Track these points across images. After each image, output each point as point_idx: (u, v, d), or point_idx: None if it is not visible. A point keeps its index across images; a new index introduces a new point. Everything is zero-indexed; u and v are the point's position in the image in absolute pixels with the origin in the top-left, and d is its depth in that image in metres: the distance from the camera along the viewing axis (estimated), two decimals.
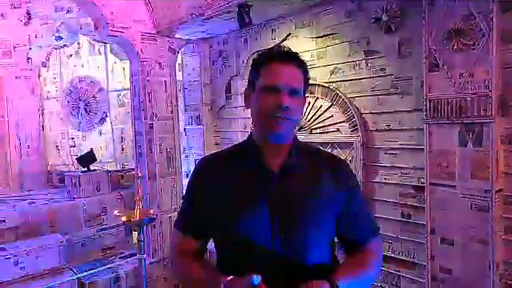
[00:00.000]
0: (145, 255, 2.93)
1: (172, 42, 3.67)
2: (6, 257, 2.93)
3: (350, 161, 2.62)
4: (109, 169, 4.19)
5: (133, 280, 3.35)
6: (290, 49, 1.15)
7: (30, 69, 4.42)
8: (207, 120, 3.89)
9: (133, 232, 4.06)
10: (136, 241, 4.00)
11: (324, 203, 1.12)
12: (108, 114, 4.55)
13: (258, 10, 2.93)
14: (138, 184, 2.97)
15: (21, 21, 4.14)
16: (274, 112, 1.07)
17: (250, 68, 1.17)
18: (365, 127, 2.60)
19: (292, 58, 1.12)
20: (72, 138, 4.66)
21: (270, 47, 1.33)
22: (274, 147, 1.13)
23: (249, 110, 1.17)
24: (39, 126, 4.67)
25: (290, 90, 1.08)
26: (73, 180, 3.89)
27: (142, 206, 2.88)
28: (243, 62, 3.51)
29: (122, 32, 3.22)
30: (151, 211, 3.00)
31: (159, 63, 3.54)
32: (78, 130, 4.63)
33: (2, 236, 3.29)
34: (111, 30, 3.20)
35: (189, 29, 3.48)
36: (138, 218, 2.77)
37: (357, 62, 2.63)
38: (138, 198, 2.84)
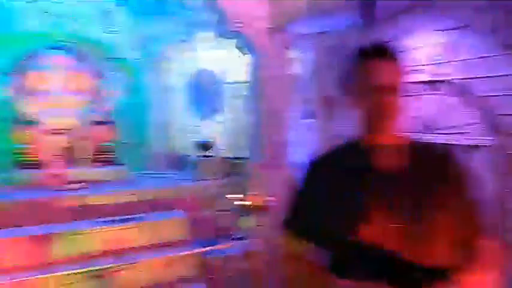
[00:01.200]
0: (256, 240, 3.10)
1: (289, 37, 3.77)
2: (137, 226, 3.40)
3: (478, 166, 2.39)
4: (223, 156, 4.52)
5: (243, 262, 3.58)
6: (386, 44, 1.11)
7: (162, 62, 4.99)
8: (321, 115, 3.92)
9: (243, 217, 4.33)
10: (245, 226, 4.28)
11: (440, 206, 1.05)
12: (225, 105, 4.89)
13: (381, 5, 2.85)
14: (252, 172, 3.16)
15: (156, 18, 4.67)
16: (379, 111, 1.06)
17: (347, 64, 1.16)
18: (500, 129, 2.35)
19: (391, 53, 1.09)
20: (193, 126, 5.13)
21: (387, 42, 1.29)
22: (382, 147, 1.09)
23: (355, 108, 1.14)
24: (164, 113, 5.24)
25: (392, 88, 1.06)
26: (192, 164, 4.31)
27: (255, 193, 3.06)
28: None
29: (241, 27, 3.43)
30: (264, 198, 3.16)
31: (276, 58, 3.67)
32: (198, 118, 5.08)
33: (132, 208, 3.79)
34: (232, 26, 3.43)
35: (307, 24, 3.54)
36: (251, 203, 2.96)
37: (494, 58, 2.38)
38: (251, 185, 3.03)
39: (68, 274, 2.91)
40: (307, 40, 3.94)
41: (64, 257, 3.03)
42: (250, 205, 2.96)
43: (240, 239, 3.86)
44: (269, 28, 3.58)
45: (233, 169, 4.40)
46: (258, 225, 3.39)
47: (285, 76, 3.74)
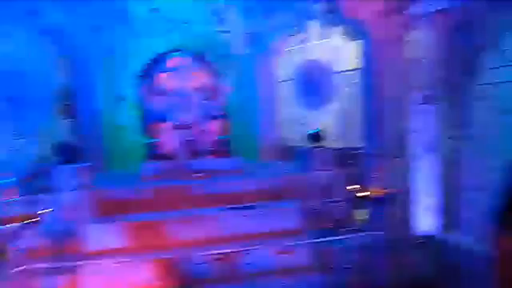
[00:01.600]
0: (379, 232, 2.96)
1: (406, 19, 3.49)
2: (256, 213, 3.53)
3: None
4: (334, 147, 4.42)
5: (361, 254, 3.46)
6: None
7: (271, 56, 5.10)
8: (441, 100, 3.56)
9: (358, 210, 4.18)
10: (360, 218, 4.13)
11: None
12: (335, 94, 4.78)
13: None
14: (369, 162, 3.01)
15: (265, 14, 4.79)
16: None
17: None
18: None
19: None
20: (302, 117, 5.15)
21: None
22: None
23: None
24: (274, 105, 5.36)
25: None
26: (304, 155, 4.30)
27: (375, 184, 2.92)
28: (494, 35, 3.00)
29: (354, 12, 3.28)
30: (385, 190, 3.00)
31: (392, 41, 3.44)
32: (307, 109, 5.06)
33: (249, 197, 3.95)
34: (345, 13, 3.31)
35: (426, 2, 3.23)
36: (371, 194, 2.82)
37: None
38: (372, 176, 2.90)
39: (197, 255, 3.18)
40: (426, 20, 3.60)
41: (193, 239, 3.31)
42: (368, 196, 2.83)
43: (356, 230, 3.74)
44: (385, 10, 3.37)
45: (345, 159, 4.28)
46: (377, 217, 3.24)
47: (403, 60, 3.48)
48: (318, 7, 4.06)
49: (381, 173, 2.85)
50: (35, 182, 3.72)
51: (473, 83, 3.30)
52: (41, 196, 3.38)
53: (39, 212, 2.44)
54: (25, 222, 2.33)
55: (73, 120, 4.72)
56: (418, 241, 3.60)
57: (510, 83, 2.96)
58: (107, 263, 3.01)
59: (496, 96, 3.07)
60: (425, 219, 3.71)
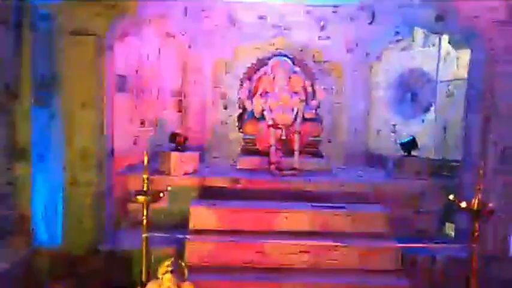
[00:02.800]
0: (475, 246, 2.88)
1: None
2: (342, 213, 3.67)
3: None
4: (429, 157, 4.35)
5: (449, 267, 3.41)
6: None
7: (369, 62, 5.17)
8: None
9: (448, 223, 4.08)
10: (449, 232, 4.03)
11: None
12: (433, 103, 4.68)
13: None
14: (471, 176, 2.95)
15: (368, 21, 4.88)
16: None
17: None
18: None
19: None
20: (394, 125, 5.13)
21: None
22: None
23: None
24: (365, 111, 5.40)
25: None
26: (395, 163, 4.31)
27: (472, 198, 2.85)
28: None
29: (472, 20, 3.22)
30: (490, 204, 2.89)
31: (508, 53, 3.30)
32: (402, 117, 5.03)
33: (335, 197, 4.07)
34: (461, 20, 3.27)
35: None
36: (475, 207, 2.75)
37: None
38: (470, 189, 2.84)
39: (285, 245, 3.45)
40: None
41: (281, 230, 3.59)
42: (465, 208, 2.78)
43: (444, 242, 3.68)
44: (505, 21, 3.25)
45: (441, 170, 4.17)
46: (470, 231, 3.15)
47: None
48: (427, 13, 4.02)
49: (480, 187, 2.77)
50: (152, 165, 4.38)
51: None
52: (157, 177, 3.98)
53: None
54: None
55: (181, 113, 5.37)
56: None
57: None
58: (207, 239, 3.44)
59: None
60: None
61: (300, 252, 3.45)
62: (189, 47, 5.01)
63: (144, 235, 2.86)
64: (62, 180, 3.49)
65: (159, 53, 4.80)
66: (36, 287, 3.42)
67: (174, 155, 4.19)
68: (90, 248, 3.53)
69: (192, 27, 4.99)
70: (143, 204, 2.83)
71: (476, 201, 2.68)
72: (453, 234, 3.95)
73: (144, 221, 2.84)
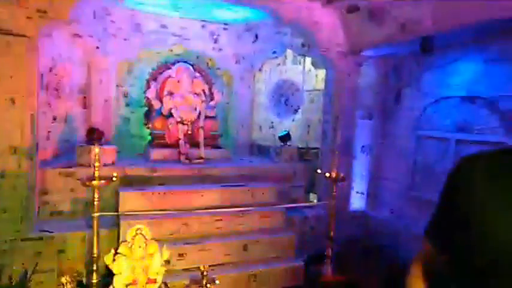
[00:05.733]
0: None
1: (359, 59, 5.04)
2: (242, 190, 4.81)
3: None
4: (298, 146, 5.88)
5: (316, 222, 4.93)
6: None
7: (252, 72, 6.45)
8: (376, 117, 5.18)
9: (311, 193, 5.67)
10: (312, 199, 5.60)
11: None
12: (300, 107, 6.25)
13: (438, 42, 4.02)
14: (326, 158, 4.45)
15: (252, 40, 6.13)
16: None
17: None
18: None
19: None
20: (272, 122, 6.55)
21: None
22: None
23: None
24: (250, 111, 6.68)
25: None
26: (275, 151, 5.69)
27: (328, 172, 4.35)
28: (413, 79, 4.68)
29: (325, 51, 4.78)
30: (341, 174, 4.41)
31: (348, 73, 4.98)
32: (278, 117, 6.48)
33: (235, 178, 5.18)
34: (320, 50, 4.78)
35: (375, 50, 4.79)
36: (334, 176, 4.22)
37: None
38: (332, 164, 4.33)
39: (203, 217, 4.38)
40: (372, 61, 5.19)
41: (199, 206, 4.49)
42: (328, 177, 4.24)
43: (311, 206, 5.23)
44: (345, 52, 4.89)
45: (306, 155, 5.74)
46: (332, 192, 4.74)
47: (354, 87, 5.04)
48: (296, 40, 5.48)
49: (333, 165, 4.26)
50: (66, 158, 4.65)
51: (397, 107, 4.97)
52: (79, 169, 4.36)
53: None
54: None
55: (86, 109, 5.63)
56: (353, 214, 5.20)
57: (420, 109, 4.62)
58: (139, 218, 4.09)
59: (411, 117, 4.72)
60: (358, 200, 5.33)
61: (216, 220, 4.44)
62: (97, 48, 5.33)
63: (95, 215, 3.41)
64: None
65: (69, 52, 5.01)
66: None
67: (94, 148, 4.58)
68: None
69: (99, 30, 5.35)
70: (95, 188, 3.38)
71: (334, 172, 4.16)
72: (315, 200, 5.54)
73: (96, 203, 3.40)
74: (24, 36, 3.67)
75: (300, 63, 6.20)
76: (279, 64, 6.43)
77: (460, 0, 3.36)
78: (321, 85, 5.68)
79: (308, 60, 5.99)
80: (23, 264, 3.71)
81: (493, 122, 3.79)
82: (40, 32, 3.79)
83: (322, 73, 5.62)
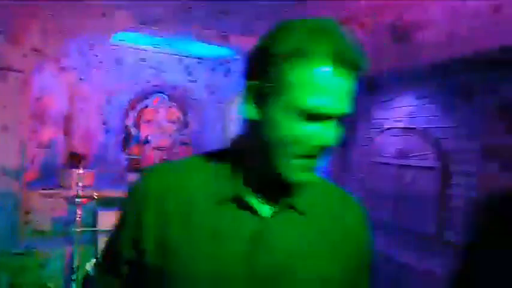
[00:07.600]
0: None
1: None
2: None
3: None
4: None
5: None
6: None
7: (223, 103, 7.05)
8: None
9: None
10: None
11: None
12: None
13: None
14: None
15: (224, 74, 6.76)
16: None
17: None
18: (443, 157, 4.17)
19: None
20: None
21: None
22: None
23: None
24: (223, 139, 7.22)
25: None
26: None
27: None
28: (365, 112, 5.37)
29: None
30: None
31: None
32: None
33: None
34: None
35: None
36: None
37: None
38: None
39: None
40: None
41: None
42: None
43: None
44: None
45: None
46: None
47: None
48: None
49: None
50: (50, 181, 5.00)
51: (353, 138, 5.62)
52: (60, 191, 4.72)
53: None
54: None
55: (67, 136, 6.01)
56: None
57: (371, 138, 5.27)
58: None
59: (364, 146, 5.37)
60: None
61: None
62: (80, 79, 5.80)
63: (78, 230, 3.80)
64: None
65: (55, 84, 5.45)
66: None
67: (75, 171, 4.97)
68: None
69: (83, 63, 5.83)
70: (78, 205, 3.80)
71: None
72: None
73: (78, 219, 3.80)
74: (20, 71, 4.13)
75: None
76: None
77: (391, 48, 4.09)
78: None
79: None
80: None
81: (426, 149, 4.47)
82: (34, 68, 4.26)
83: None
